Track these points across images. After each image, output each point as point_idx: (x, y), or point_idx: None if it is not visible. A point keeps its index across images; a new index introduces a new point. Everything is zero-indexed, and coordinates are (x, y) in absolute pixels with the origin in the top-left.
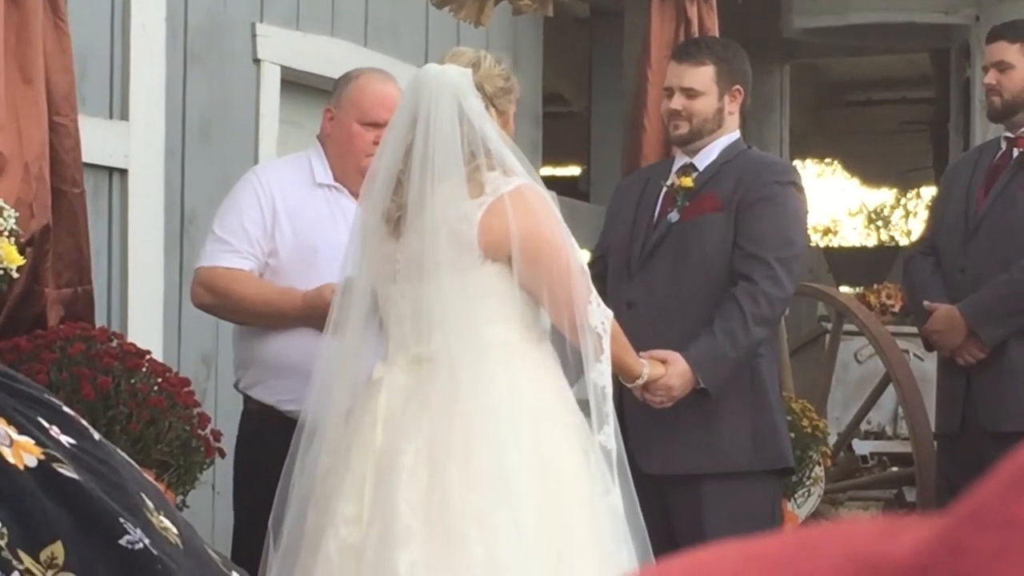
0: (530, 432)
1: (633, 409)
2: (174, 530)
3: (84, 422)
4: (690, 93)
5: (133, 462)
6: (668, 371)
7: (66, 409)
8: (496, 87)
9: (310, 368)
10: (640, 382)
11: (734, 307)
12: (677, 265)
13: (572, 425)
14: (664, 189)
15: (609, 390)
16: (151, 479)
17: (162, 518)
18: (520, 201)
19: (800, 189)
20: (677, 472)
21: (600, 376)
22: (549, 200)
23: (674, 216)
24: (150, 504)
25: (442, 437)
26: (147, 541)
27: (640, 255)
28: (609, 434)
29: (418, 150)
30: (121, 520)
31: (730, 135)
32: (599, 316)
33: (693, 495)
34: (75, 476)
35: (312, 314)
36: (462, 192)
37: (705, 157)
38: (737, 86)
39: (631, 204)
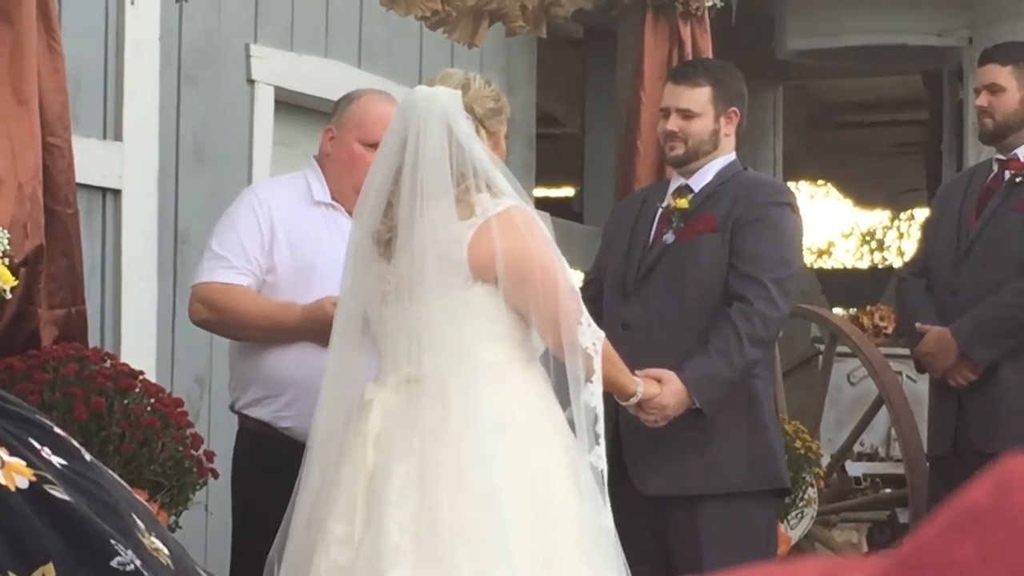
0: (520, 452)
1: (630, 430)
2: (165, 551)
3: (75, 443)
4: (686, 114)
5: (124, 483)
6: (663, 390)
7: (57, 430)
8: (486, 108)
9: (308, 383)
10: (634, 400)
11: (729, 327)
12: (673, 286)
13: (562, 445)
14: (660, 210)
15: (600, 411)
16: (143, 500)
17: (153, 539)
18: (508, 223)
19: (795, 210)
20: (674, 493)
21: (591, 397)
22: (539, 221)
23: (670, 237)
24: (141, 525)
25: (432, 458)
26: (138, 563)
27: (636, 276)
28: (600, 455)
29: (408, 172)
30: (112, 542)
31: (726, 156)
32: (590, 337)
33: (689, 516)
34: (67, 498)
35: (312, 327)
36: (452, 214)
37: (701, 178)
38: (733, 108)
39: (627, 225)
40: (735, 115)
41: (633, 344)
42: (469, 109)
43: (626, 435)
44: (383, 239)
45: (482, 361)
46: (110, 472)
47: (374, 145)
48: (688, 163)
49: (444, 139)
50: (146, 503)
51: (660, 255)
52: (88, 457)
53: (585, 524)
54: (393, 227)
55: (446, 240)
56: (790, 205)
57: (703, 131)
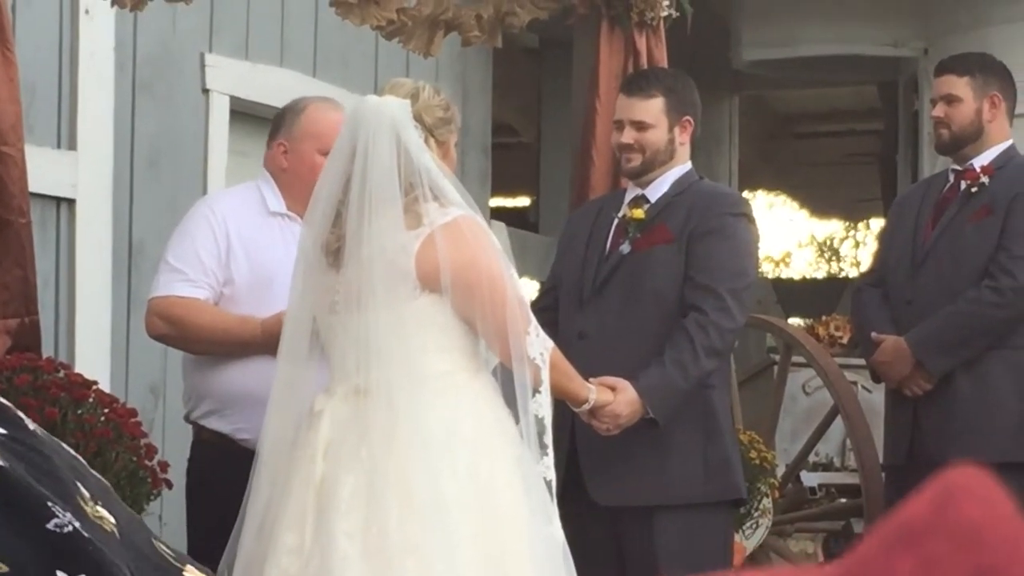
0: (468, 463)
1: (586, 441)
2: (111, 519)
3: (19, 413)
4: (640, 126)
5: (80, 457)
6: (616, 398)
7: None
8: (435, 118)
9: (267, 396)
10: (587, 407)
11: (684, 338)
12: (628, 297)
13: (512, 456)
14: (616, 221)
15: (548, 421)
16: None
17: (98, 508)
18: (456, 233)
19: (751, 220)
20: (629, 503)
21: (539, 407)
22: (487, 231)
23: (626, 248)
24: (85, 493)
25: (380, 468)
26: (77, 524)
27: (591, 287)
28: (549, 465)
29: (357, 181)
30: (49, 504)
31: (682, 166)
32: (538, 347)
33: (645, 527)
34: (1, 463)
35: (272, 341)
36: (400, 223)
37: (657, 189)
38: (687, 117)
39: (582, 236)
40: (689, 124)
41: (589, 354)
42: (418, 119)
43: (582, 446)
44: (332, 248)
45: (431, 371)
46: (61, 444)
47: None
48: (644, 174)
49: (393, 149)
50: (102, 479)
51: (616, 265)
52: (32, 426)
53: (535, 535)
54: (342, 236)
55: (394, 250)
56: (746, 216)
57: (658, 141)
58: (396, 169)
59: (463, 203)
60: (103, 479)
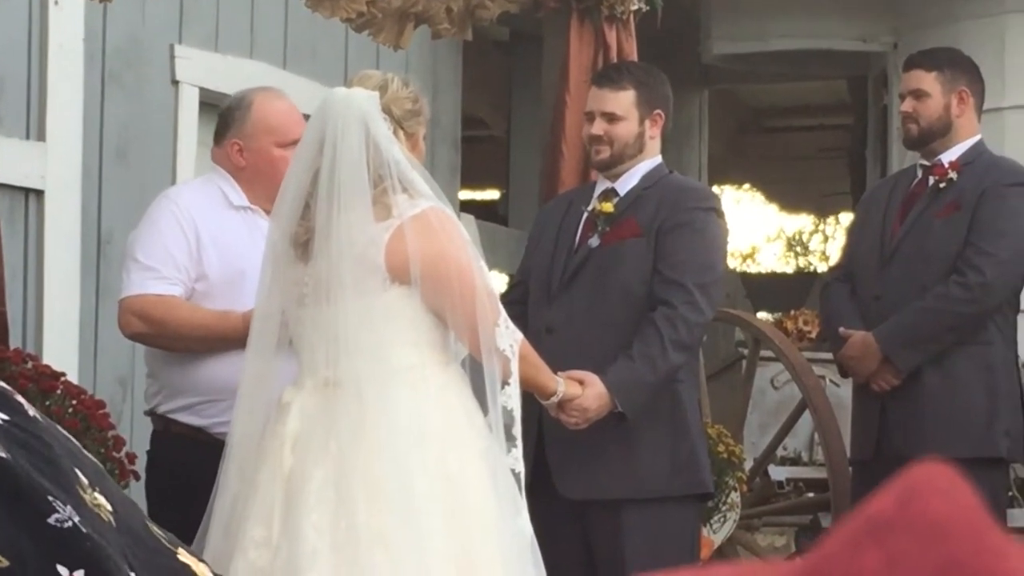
0: (437, 456)
1: (553, 434)
2: (108, 507)
3: (20, 398)
4: (611, 118)
5: (72, 439)
6: (585, 392)
7: (2, 384)
8: (404, 110)
9: None
10: (555, 400)
11: (653, 332)
12: (597, 290)
13: (480, 449)
14: (585, 214)
15: (517, 413)
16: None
17: (96, 494)
18: (425, 225)
19: (721, 215)
20: (596, 497)
21: (508, 399)
22: (456, 223)
23: (595, 241)
24: (84, 480)
25: (349, 461)
26: (76, 519)
27: (560, 280)
28: (517, 457)
29: (325, 174)
30: (50, 498)
31: (652, 160)
32: (507, 339)
33: (613, 520)
34: (3, 454)
35: None
36: (369, 215)
37: (626, 182)
38: (658, 111)
39: (552, 229)
40: (660, 118)
41: (557, 348)
42: (387, 111)
43: (550, 440)
44: (300, 241)
45: (399, 364)
46: (56, 427)
47: (293, 143)
48: (613, 166)
49: (362, 141)
50: (96, 460)
51: (585, 259)
52: (32, 412)
53: (503, 528)
54: (310, 229)
55: (363, 242)
56: (715, 210)
57: (628, 134)
58: (365, 161)
59: (432, 195)
60: (96, 461)
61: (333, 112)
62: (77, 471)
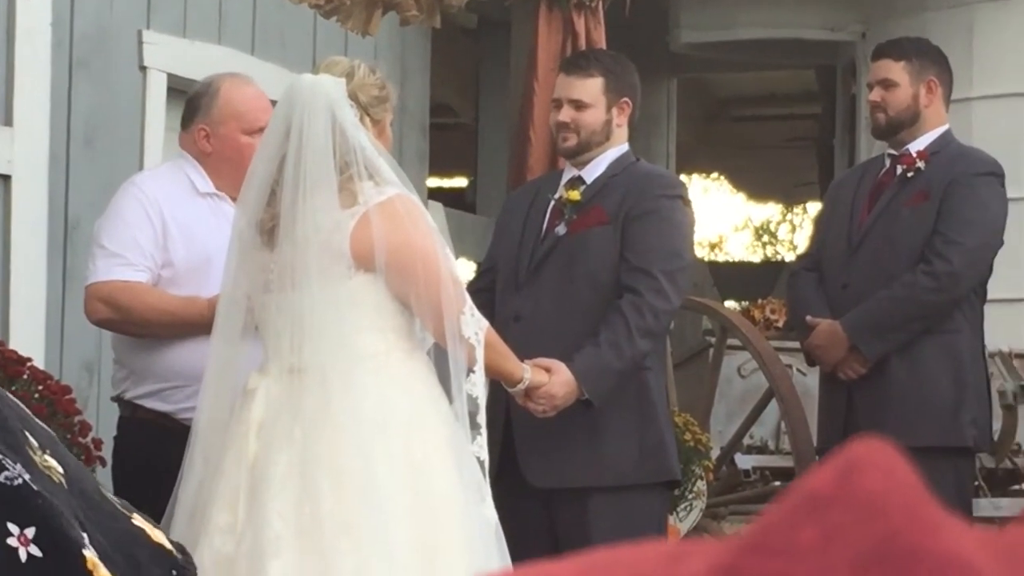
0: (401, 443)
1: (520, 422)
2: (59, 469)
3: None
4: (578, 105)
5: (24, 407)
6: (551, 379)
7: None
8: (371, 96)
9: None
10: (521, 387)
11: (619, 319)
12: (564, 278)
13: (445, 436)
14: (552, 202)
15: (482, 400)
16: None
17: (47, 457)
18: (390, 212)
19: (687, 203)
20: (564, 485)
21: (473, 387)
22: (422, 210)
23: (561, 229)
24: (34, 443)
25: (313, 448)
26: (27, 476)
27: (528, 268)
28: (482, 444)
29: (291, 160)
30: (0, 456)
31: (618, 148)
32: (473, 326)
33: (580, 508)
34: None
35: None
36: (334, 202)
37: (593, 170)
38: (626, 99)
39: (519, 217)
40: (627, 106)
41: (525, 336)
42: (353, 97)
43: (518, 428)
44: (267, 228)
45: (364, 351)
46: (7, 394)
47: (259, 130)
48: (580, 154)
49: (328, 128)
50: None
51: (552, 247)
52: None
53: (468, 515)
54: (276, 215)
55: (328, 229)
56: (682, 198)
57: (595, 122)
58: (331, 148)
59: (398, 182)
60: (49, 429)
61: (300, 98)
62: (27, 433)
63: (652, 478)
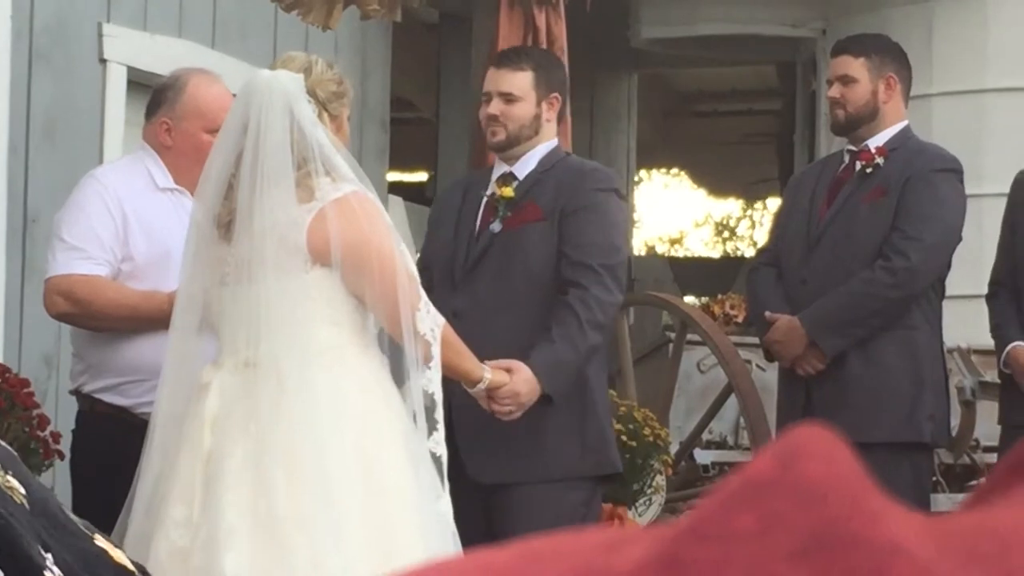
0: (356, 438)
1: (462, 417)
2: (21, 490)
3: None
4: (508, 98)
5: None
6: (513, 378)
7: None
8: (328, 92)
9: None
10: (481, 387)
11: (569, 313)
12: (501, 275)
13: (400, 431)
14: (484, 199)
15: (439, 396)
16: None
17: (9, 477)
18: (346, 208)
19: (622, 196)
20: (507, 480)
21: (428, 383)
22: (379, 207)
23: (496, 226)
24: None
25: (267, 441)
26: None
27: (463, 266)
28: (439, 440)
29: (249, 156)
30: None
31: (548, 143)
32: (428, 323)
33: (520, 502)
34: None
35: None
36: (291, 197)
37: (524, 166)
38: (555, 94)
39: (451, 215)
40: (557, 101)
41: (464, 333)
42: (311, 93)
43: (459, 424)
44: (223, 222)
45: (319, 345)
46: None
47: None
48: (509, 148)
49: (286, 124)
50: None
51: (488, 244)
52: None
53: (423, 511)
54: (233, 210)
55: (285, 223)
56: (616, 191)
57: (524, 115)
58: (289, 143)
59: (355, 178)
60: (7, 446)
61: (257, 95)
62: None
63: (594, 471)
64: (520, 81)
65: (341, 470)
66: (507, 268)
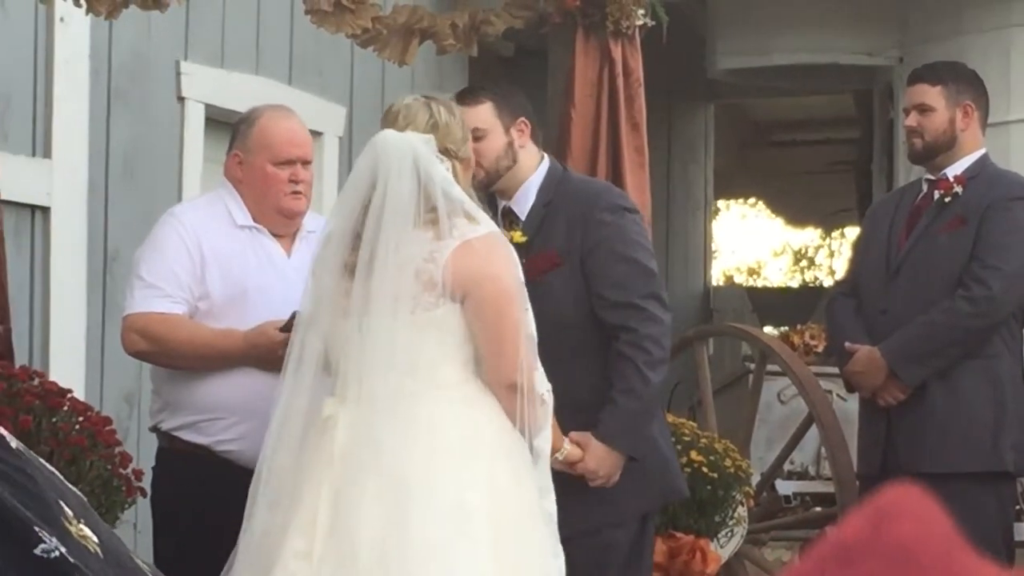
0: (487, 470)
1: None
2: (94, 539)
3: (1, 429)
4: (476, 134)
5: (54, 470)
6: (586, 457)
7: None
8: (456, 139)
9: (250, 407)
10: (559, 457)
11: (626, 364)
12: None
13: (527, 466)
14: None
15: (548, 460)
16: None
17: (82, 526)
18: (489, 245)
19: (635, 211)
20: (580, 528)
21: (544, 442)
22: (514, 255)
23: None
24: (69, 512)
25: (401, 474)
26: (63, 550)
27: None
28: (552, 500)
29: (376, 205)
30: (36, 529)
31: (539, 171)
32: (544, 384)
33: (595, 546)
34: None
35: (254, 353)
36: (423, 235)
37: (523, 201)
38: (521, 118)
39: None
40: (526, 125)
41: None
42: (444, 152)
43: None
44: (351, 268)
45: (445, 380)
46: (39, 459)
47: (286, 163)
48: (492, 184)
49: (414, 187)
50: (79, 493)
51: None
52: (14, 444)
53: (544, 545)
54: (358, 248)
55: (421, 257)
56: (627, 209)
57: (496, 148)
58: (416, 199)
59: (493, 224)
60: (79, 492)
61: (385, 157)
62: (61, 503)
63: (663, 500)
64: (482, 114)
65: (475, 502)
66: (541, 322)
